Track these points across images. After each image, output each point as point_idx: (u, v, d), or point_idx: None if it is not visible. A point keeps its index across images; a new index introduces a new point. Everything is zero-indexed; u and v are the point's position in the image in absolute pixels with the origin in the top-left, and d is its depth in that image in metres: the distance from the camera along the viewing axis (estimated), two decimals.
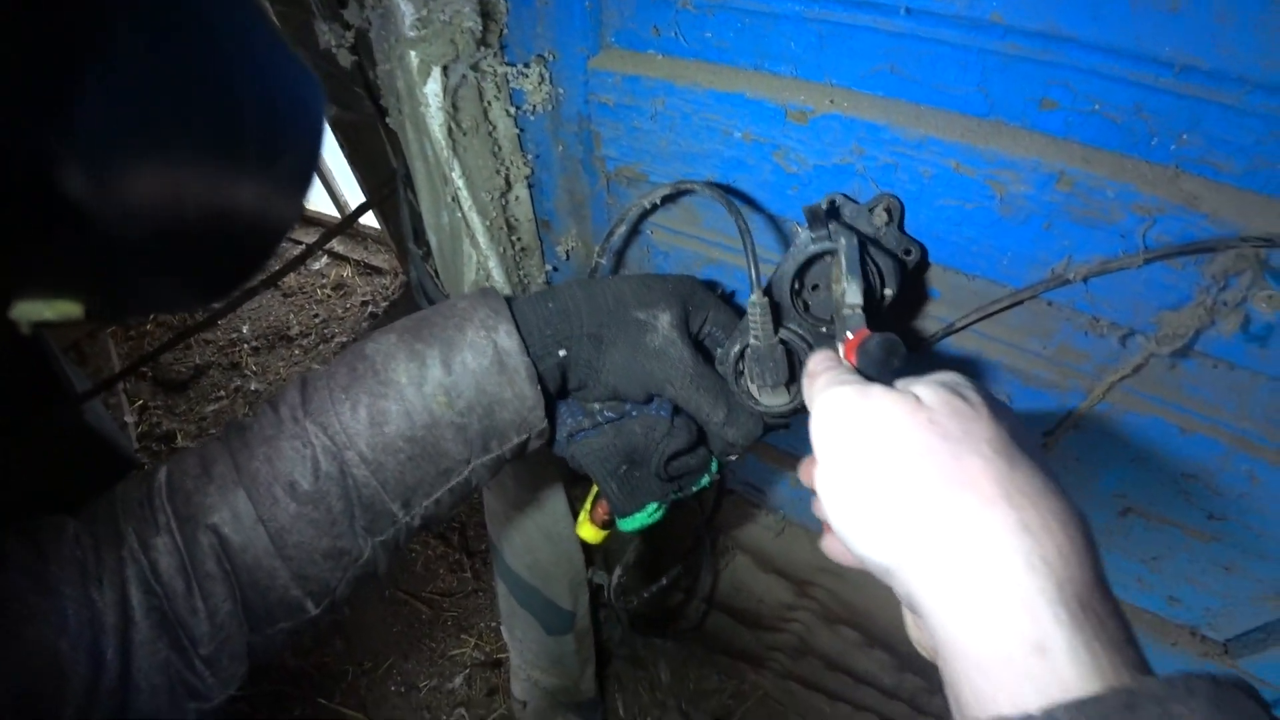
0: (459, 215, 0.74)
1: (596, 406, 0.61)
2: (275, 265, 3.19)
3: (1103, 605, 0.30)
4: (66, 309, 0.22)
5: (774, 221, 0.71)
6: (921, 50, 0.51)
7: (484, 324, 0.53)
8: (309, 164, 0.32)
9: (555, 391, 0.59)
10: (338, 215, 3.07)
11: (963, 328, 0.65)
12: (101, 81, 0.19)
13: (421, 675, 1.86)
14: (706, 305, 0.60)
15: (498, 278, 0.81)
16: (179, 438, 2.47)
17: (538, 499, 1.18)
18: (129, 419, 2.39)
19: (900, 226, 0.60)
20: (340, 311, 3.08)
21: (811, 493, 0.43)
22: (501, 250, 0.82)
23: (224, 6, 0.24)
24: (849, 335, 0.50)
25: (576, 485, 1.24)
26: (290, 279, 3.14)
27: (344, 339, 2.94)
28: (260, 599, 0.52)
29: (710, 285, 0.64)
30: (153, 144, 0.21)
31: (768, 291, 0.57)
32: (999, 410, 0.38)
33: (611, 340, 0.55)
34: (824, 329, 0.58)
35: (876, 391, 0.39)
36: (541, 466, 1.14)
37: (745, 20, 0.58)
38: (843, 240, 0.53)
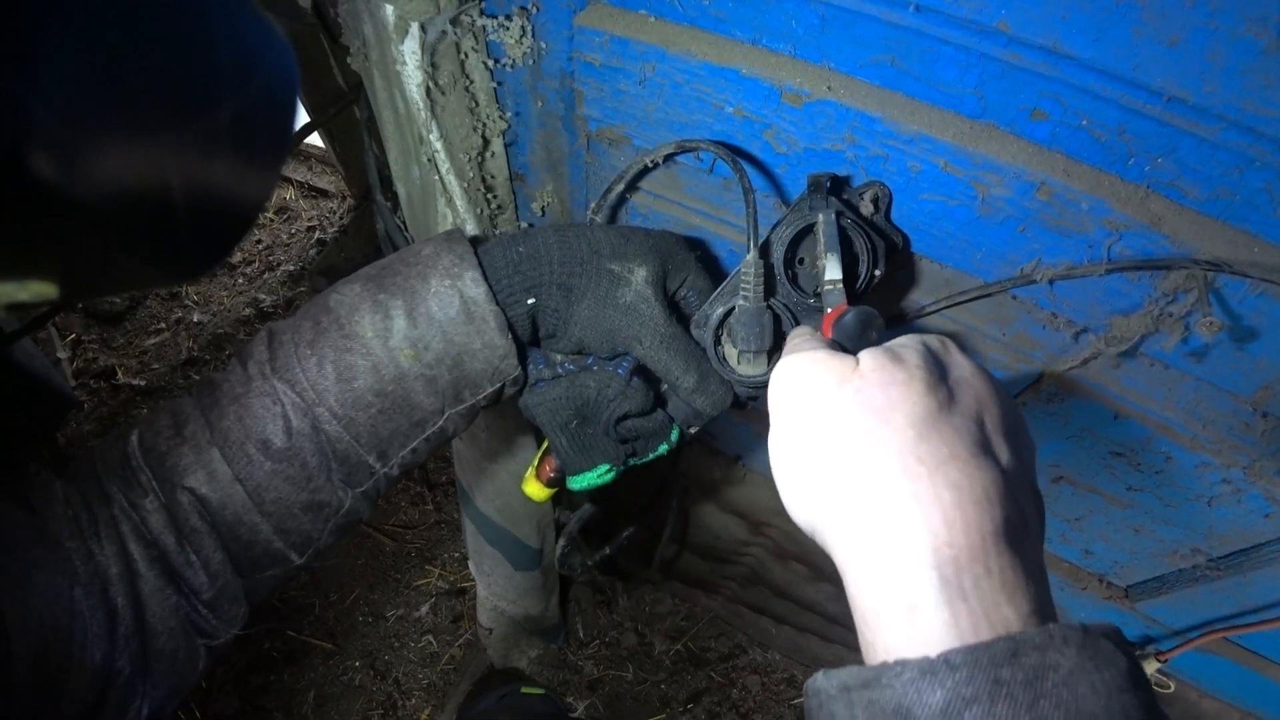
0: (434, 177, 0.71)
1: (559, 358, 0.60)
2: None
3: (987, 566, 0.32)
4: (41, 289, 0.22)
5: (758, 196, 0.71)
6: (924, 46, 0.50)
7: (448, 272, 0.51)
8: (283, 133, 0.30)
9: (527, 339, 0.57)
10: None
11: (933, 312, 0.68)
12: (64, 51, 0.18)
13: (388, 605, 1.92)
14: (686, 267, 0.59)
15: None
16: (119, 373, 2.35)
17: (509, 446, 1.20)
18: (62, 355, 2.24)
19: (887, 215, 0.61)
20: (285, 237, 2.91)
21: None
22: (478, 211, 0.80)
23: None
24: (828, 311, 0.51)
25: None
26: None
27: (290, 267, 2.80)
28: (245, 552, 0.52)
29: (692, 245, 0.62)
30: (121, 114, 0.21)
31: (762, 256, 0.56)
32: (938, 376, 0.38)
33: (581, 291, 0.53)
34: (811, 301, 0.58)
35: (819, 357, 0.40)
36: (513, 416, 1.15)
37: None
38: (820, 216, 0.53)
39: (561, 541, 0.86)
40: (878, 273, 0.58)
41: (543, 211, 0.93)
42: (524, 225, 0.97)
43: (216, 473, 0.50)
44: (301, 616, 1.85)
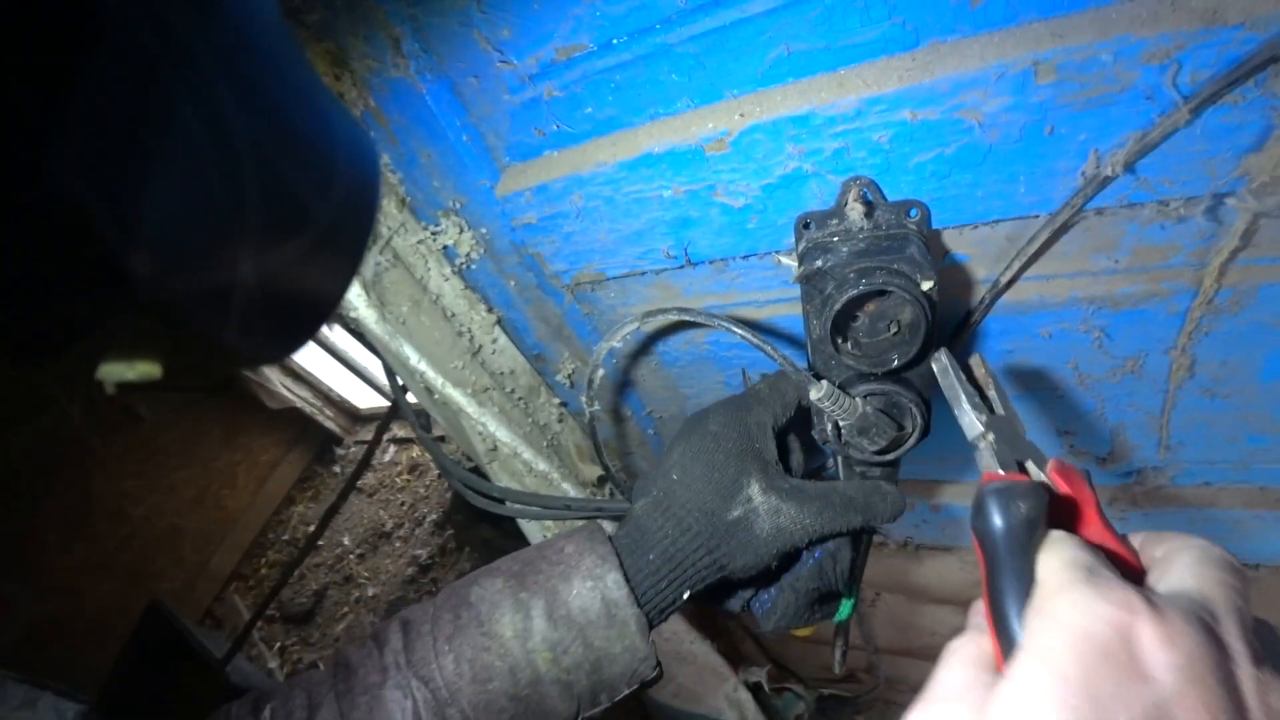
0: (436, 397, 0.68)
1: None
2: (345, 469, 3.29)
3: None
4: (146, 370, 0.24)
5: (755, 260, 0.62)
6: (809, 12, 0.43)
7: (590, 573, 0.51)
8: (368, 222, 0.31)
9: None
10: (385, 403, 3.16)
11: (1011, 282, 0.53)
12: (169, 169, 0.20)
13: None
14: (763, 427, 0.54)
15: (502, 436, 0.74)
16: (320, 665, 2.47)
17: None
18: (273, 665, 2.42)
19: (883, 198, 0.51)
20: (423, 491, 3.11)
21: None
22: (498, 408, 0.76)
23: (282, 79, 0.24)
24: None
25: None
26: (369, 478, 3.22)
27: (434, 516, 2.95)
28: None
29: (745, 403, 0.56)
30: (219, 226, 0.22)
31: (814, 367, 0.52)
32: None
33: (729, 555, 0.51)
34: (878, 359, 0.51)
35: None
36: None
37: (616, 79, 0.52)
38: (937, 362, 0.46)
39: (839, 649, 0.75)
40: (928, 285, 0.46)
41: (570, 382, 0.89)
42: (559, 402, 0.93)
43: None
44: None
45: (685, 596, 0.52)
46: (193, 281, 0.22)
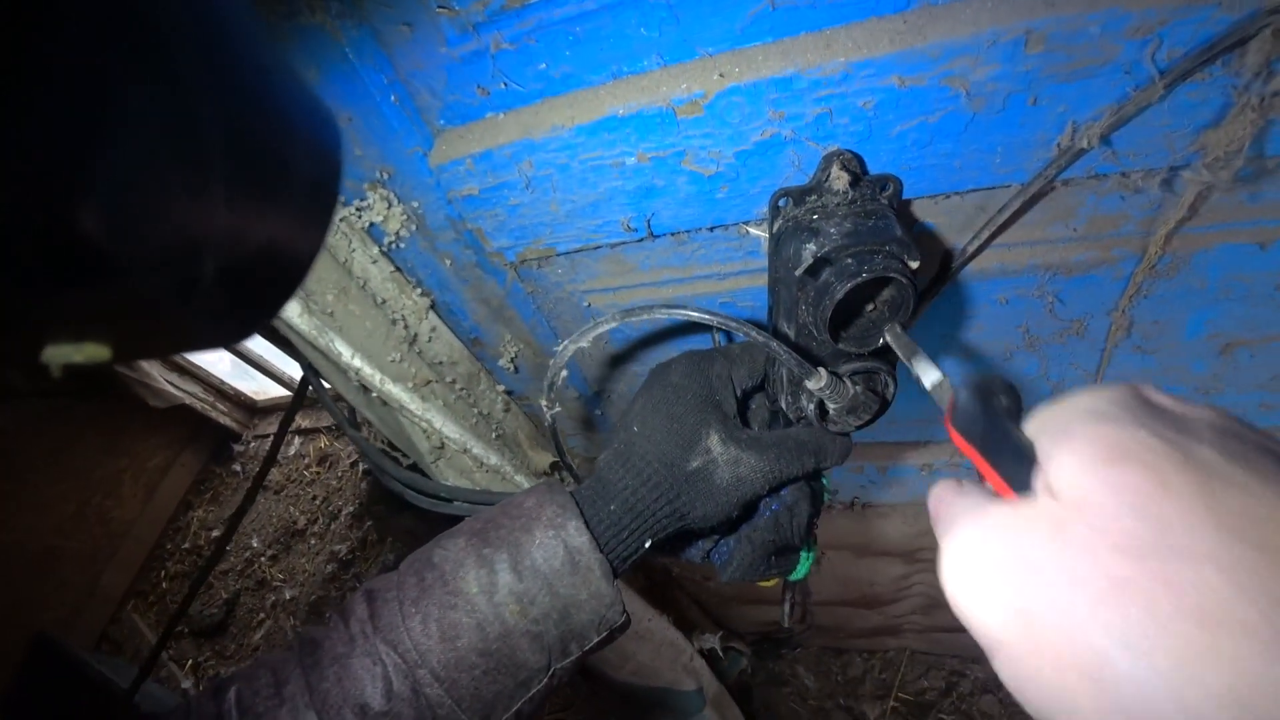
0: (374, 395, 0.61)
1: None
2: (246, 467, 3.01)
3: None
4: (94, 351, 0.23)
5: (720, 231, 0.59)
6: None
7: (552, 523, 0.51)
8: (331, 192, 0.29)
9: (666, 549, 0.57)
10: (288, 392, 2.90)
11: (979, 250, 0.54)
12: (122, 133, 0.19)
13: None
14: (725, 380, 0.55)
15: (450, 432, 0.68)
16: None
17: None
18: (186, 684, 2.20)
19: (864, 172, 0.49)
20: (335, 483, 2.90)
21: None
22: (442, 402, 0.69)
23: (239, 47, 0.23)
24: (945, 414, 0.38)
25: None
26: (274, 474, 2.95)
27: (350, 508, 2.77)
28: None
29: (709, 356, 0.55)
30: (174, 190, 0.21)
31: (803, 352, 0.49)
32: (1228, 445, 0.23)
33: (689, 504, 0.52)
34: (877, 336, 0.48)
35: (996, 522, 0.26)
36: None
37: (576, 30, 0.46)
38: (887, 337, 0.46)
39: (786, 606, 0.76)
40: (915, 265, 0.45)
41: (515, 367, 0.83)
42: (503, 390, 0.87)
43: None
44: None
45: (647, 545, 0.52)
46: (151, 243, 0.21)
